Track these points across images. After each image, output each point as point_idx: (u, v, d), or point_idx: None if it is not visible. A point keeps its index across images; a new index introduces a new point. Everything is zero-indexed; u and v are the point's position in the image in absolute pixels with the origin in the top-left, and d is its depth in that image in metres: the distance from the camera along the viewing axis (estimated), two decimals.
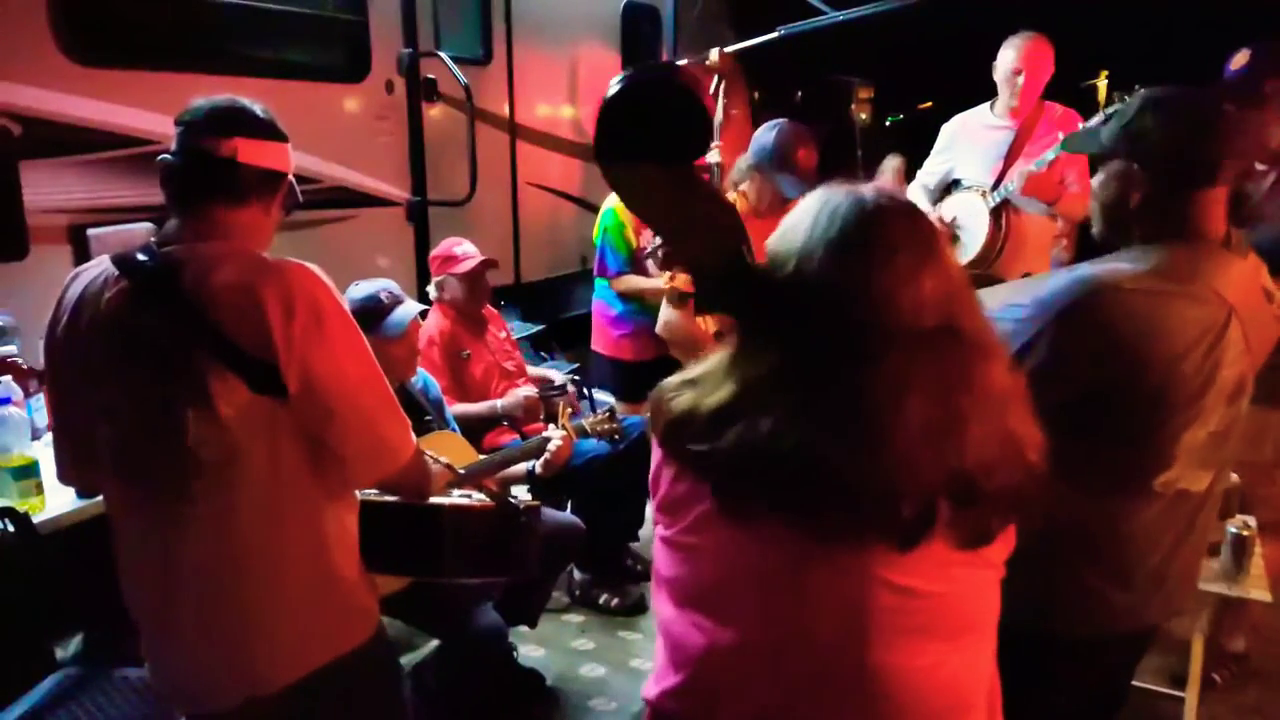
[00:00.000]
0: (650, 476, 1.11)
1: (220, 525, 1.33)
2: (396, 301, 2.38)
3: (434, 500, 1.69)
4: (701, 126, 1.07)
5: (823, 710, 0.99)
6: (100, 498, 2.07)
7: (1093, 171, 1.52)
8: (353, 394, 1.36)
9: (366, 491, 1.61)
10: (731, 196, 3.49)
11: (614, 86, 1.05)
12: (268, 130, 1.43)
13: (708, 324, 2.51)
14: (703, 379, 1.03)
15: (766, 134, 3.26)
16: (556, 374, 3.61)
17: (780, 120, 3.29)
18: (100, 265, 1.39)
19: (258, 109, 1.43)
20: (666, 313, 2.47)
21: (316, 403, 1.32)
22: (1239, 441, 1.48)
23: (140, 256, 1.34)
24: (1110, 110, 1.56)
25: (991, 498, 0.95)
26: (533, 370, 3.55)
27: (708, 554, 1.03)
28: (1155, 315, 1.32)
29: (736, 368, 1.01)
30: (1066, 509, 1.26)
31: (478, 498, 1.85)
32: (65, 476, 1.54)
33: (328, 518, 1.43)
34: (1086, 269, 1.38)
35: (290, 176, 1.48)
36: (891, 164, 6.78)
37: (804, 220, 1.01)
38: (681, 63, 4.63)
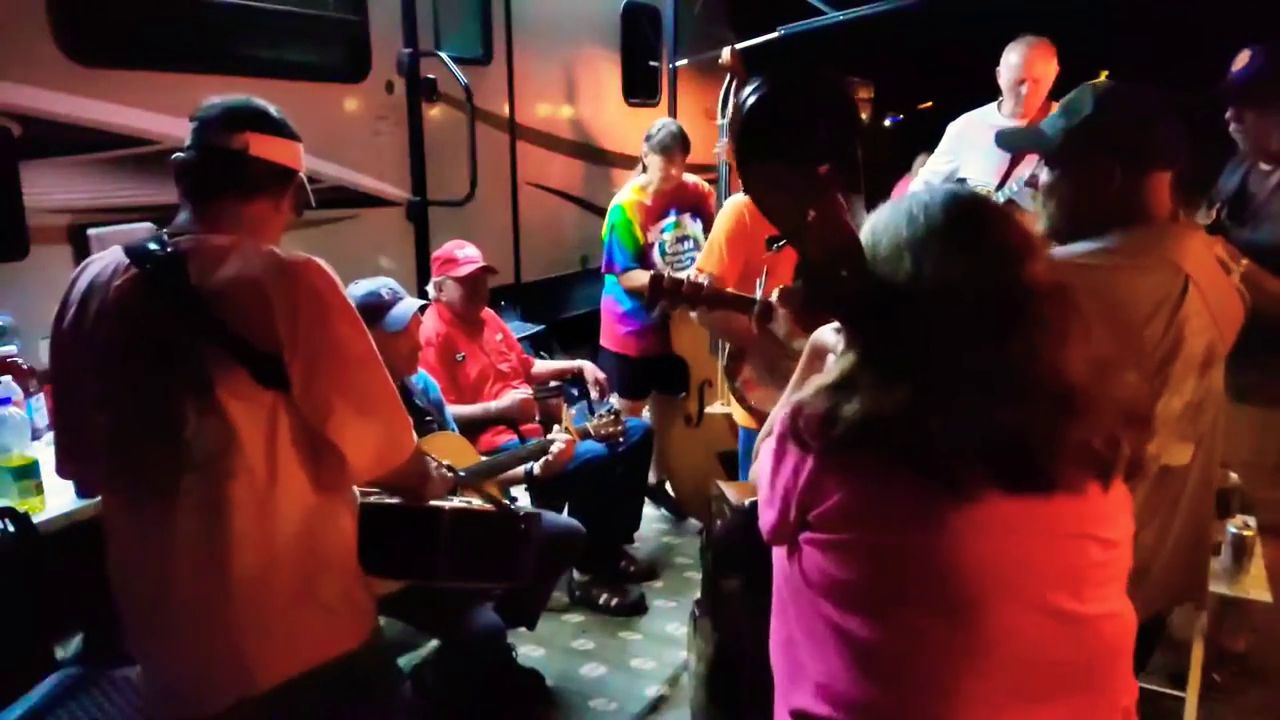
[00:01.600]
0: (784, 491, 1.09)
1: (212, 517, 1.32)
2: (397, 298, 2.39)
3: (433, 503, 1.69)
4: (849, 127, 1.11)
5: (1041, 674, 1.01)
6: (98, 498, 2.09)
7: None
8: (355, 388, 1.36)
9: (366, 494, 1.61)
10: (738, 197, 3.49)
11: (754, 91, 1.09)
12: (279, 128, 1.45)
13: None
14: (857, 383, 1.03)
15: None
16: (571, 363, 3.60)
17: None
18: (111, 255, 1.40)
19: (271, 109, 1.46)
20: (722, 318, 2.43)
21: (319, 396, 1.32)
22: (1241, 440, 1.50)
23: (150, 246, 1.35)
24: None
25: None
26: (542, 365, 3.55)
27: (912, 551, 1.01)
28: (1112, 286, 1.37)
29: (892, 363, 1.02)
30: None
31: (476, 503, 1.85)
32: (63, 470, 1.54)
33: (323, 516, 1.42)
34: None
35: (302, 175, 1.49)
36: (922, 161, 6.78)
37: (899, 221, 1.07)
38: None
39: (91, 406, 1.38)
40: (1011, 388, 0.98)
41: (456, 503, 1.79)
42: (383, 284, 2.41)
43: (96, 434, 1.38)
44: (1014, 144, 1.84)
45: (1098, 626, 1.04)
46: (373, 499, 1.66)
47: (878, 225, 1.09)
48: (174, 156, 1.43)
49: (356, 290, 2.36)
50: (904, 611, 1.01)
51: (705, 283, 1.78)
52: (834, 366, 1.09)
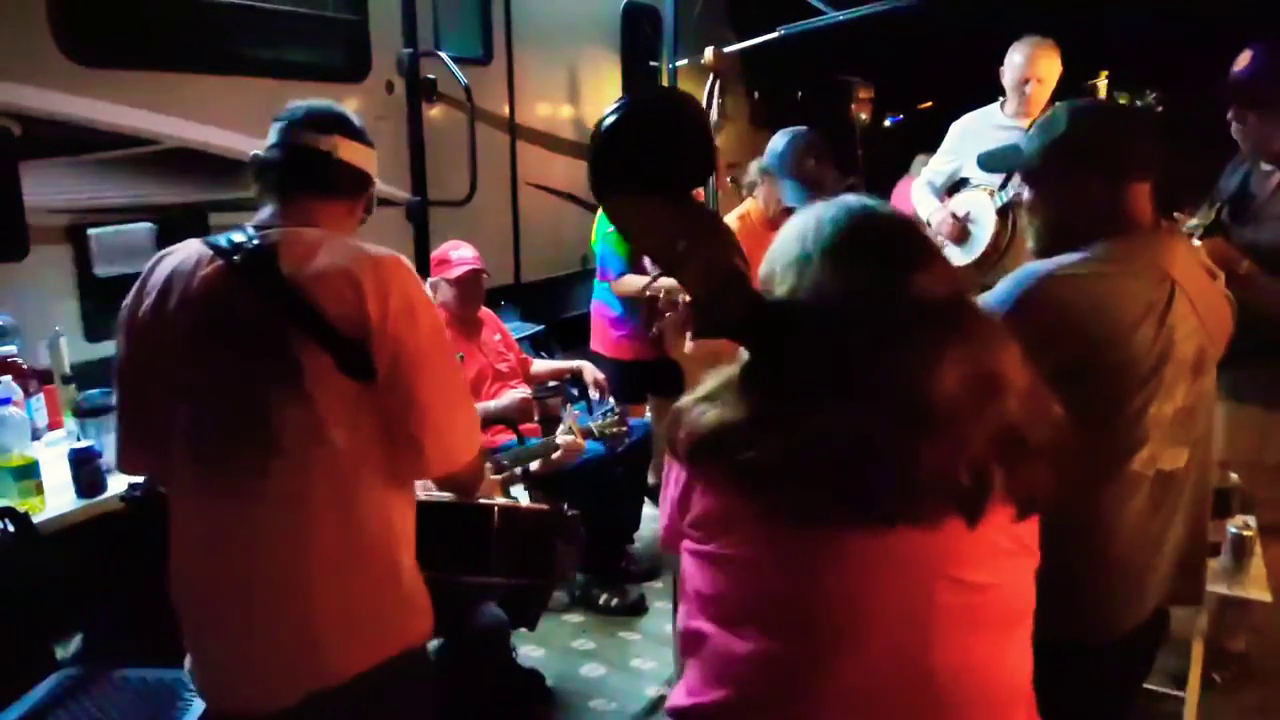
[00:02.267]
0: (671, 498, 1.11)
1: (295, 508, 1.33)
2: None
3: (483, 500, 1.69)
4: (706, 153, 1.08)
5: (880, 717, 0.98)
6: (99, 499, 2.10)
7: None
8: (436, 381, 1.39)
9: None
10: (747, 204, 3.50)
11: (610, 115, 1.03)
12: (361, 134, 1.50)
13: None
14: (720, 394, 1.04)
15: (781, 139, 3.24)
16: (570, 363, 3.60)
17: (799, 127, 3.26)
18: (189, 248, 1.42)
19: (353, 116, 1.50)
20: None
21: (401, 387, 1.34)
22: (1242, 440, 1.50)
23: (237, 238, 1.37)
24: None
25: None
26: (541, 365, 3.55)
27: (754, 567, 1.01)
28: (1099, 293, 1.39)
29: (756, 377, 1.02)
30: (1057, 507, 1.27)
31: (524, 502, 1.85)
32: (131, 463, 1.53)
33: (398, 509, 1.43)
34: (1029, 266, 1.47)
35: (376, 181, 1.53)
36: (921, 161, 6.78)
37: (793, 237, 1.07)
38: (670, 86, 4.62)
39: (170, 396, 1.37)
40: (858, 404, 0.94)
41: (503, 501, 1.79)
42: None
43: (175, 424, 1.37)
44: (994, 165, 1.86)
45: (954, 677, 0.97)
46: (422, 495, 1.67)
47: (779, 239, 1.09)
48: (252, 155, 1.47)
49: None
50: (751, 629, 1.01)
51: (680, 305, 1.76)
52: (718, 375, 1.07)
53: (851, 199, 1.08)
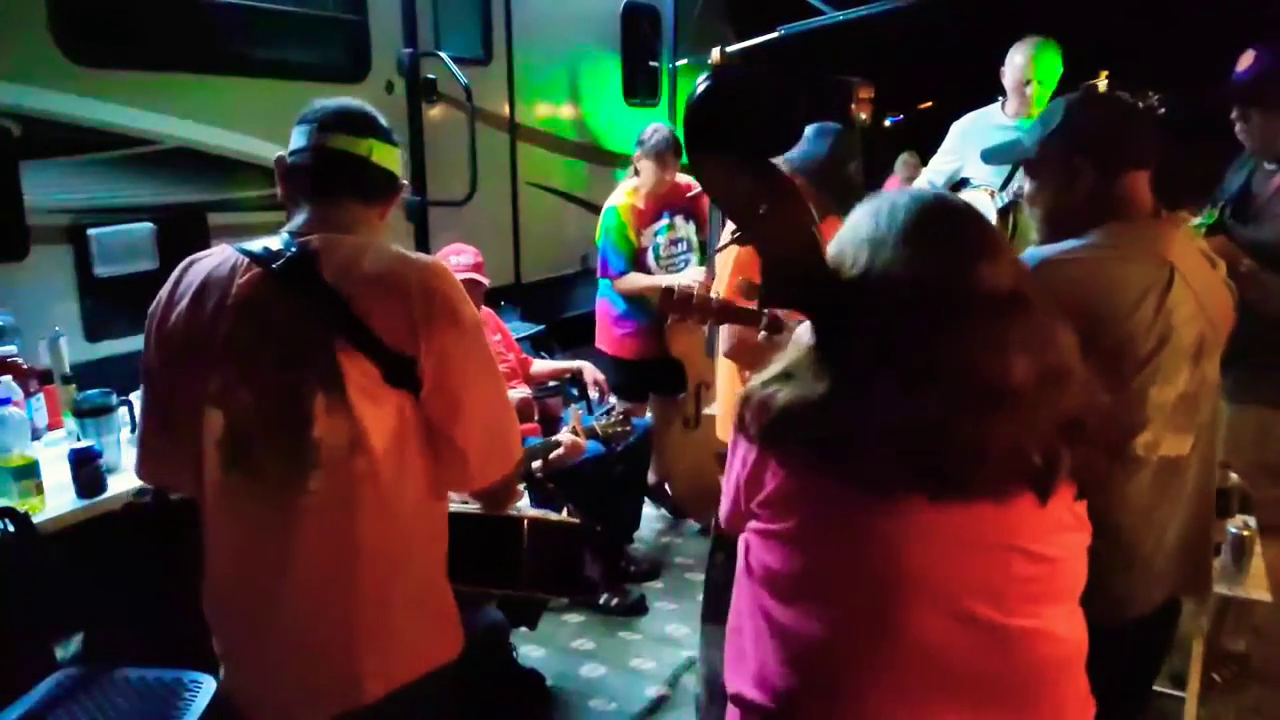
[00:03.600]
0: (737, 480, 1.13)
1: (338, 520, 1.30)
2: None
3: (510, 512, 1.67)
4: (788, 122, 1.12)
5: (961, 683, 1.01)
6: (99, 499, 2.09)
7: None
8: (481, 391, 1.36)
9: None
10: None
11: (703, 82, 1.10)
12: (390, 135, 1.46)
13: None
14: (791, 374, 1.06)
15: (821, 142, 3.14)
16: (570, 363, 3.60)
17: (833, 126, 3.19)
18: (222, 253, 1.37)
19: (380, 116, 1.45)
20: (730, 336, 2.43)
21: (449, 396, 1.32)
22: (1242, 440, 1.51)
23: (274, 245, 1.33)
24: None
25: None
26: (541, 365, 3.55)
27: (830, 542, 1.04)
28: (1095, 275, 1.42)
29: (828, 355, 1.05)
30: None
31: (552, 515, 1.84)
32: (152, 472, 1.49)
33: (435, 524, 1.41)
34: (1029, 251, 1.49)
35: (405, 184, 1.50)
36: (905, 160, 6.77)
37: (865, 219, 1.09)
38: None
39: (205, 403, 1.33)
40: (932, 385, 0.98)
41: (533, 513, 1.77)
42: None
43: (207, 432, 1.33)
44: (998, 159, 1.89)
45: (1026, 641, 1.02)
46: (455, 508, 1.65)
47: (850, 222, 1.12)
48: (278, 156, 1.43)
49: None
50: (827, 606, 1.04)
51: (715, 297, 1.78)
52: (785, 356, 1.11)
53: (923, 189, 1.11)
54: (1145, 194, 1.52)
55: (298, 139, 1.41)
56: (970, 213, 1.11)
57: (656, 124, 3.70)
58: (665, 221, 3.73)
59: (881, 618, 1.01)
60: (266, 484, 1.30)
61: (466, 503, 1.70)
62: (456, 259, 3.12)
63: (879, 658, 1.01)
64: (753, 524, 1.11)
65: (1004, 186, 3.04)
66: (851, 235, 1.10)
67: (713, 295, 1.80)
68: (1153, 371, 1.42)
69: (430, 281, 1.32)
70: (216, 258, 1.37)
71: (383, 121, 1.45)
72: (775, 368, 1.10)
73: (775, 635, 1.07)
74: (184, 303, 1.35)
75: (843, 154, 3.11)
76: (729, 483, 1.17)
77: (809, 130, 3.15)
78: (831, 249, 1.12)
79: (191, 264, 1.40)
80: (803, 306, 1.12)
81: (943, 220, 1.08)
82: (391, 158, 1.45)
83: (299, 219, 1.39)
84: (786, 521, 1.06)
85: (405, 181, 1.50)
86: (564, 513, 3.00)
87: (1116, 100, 1.57)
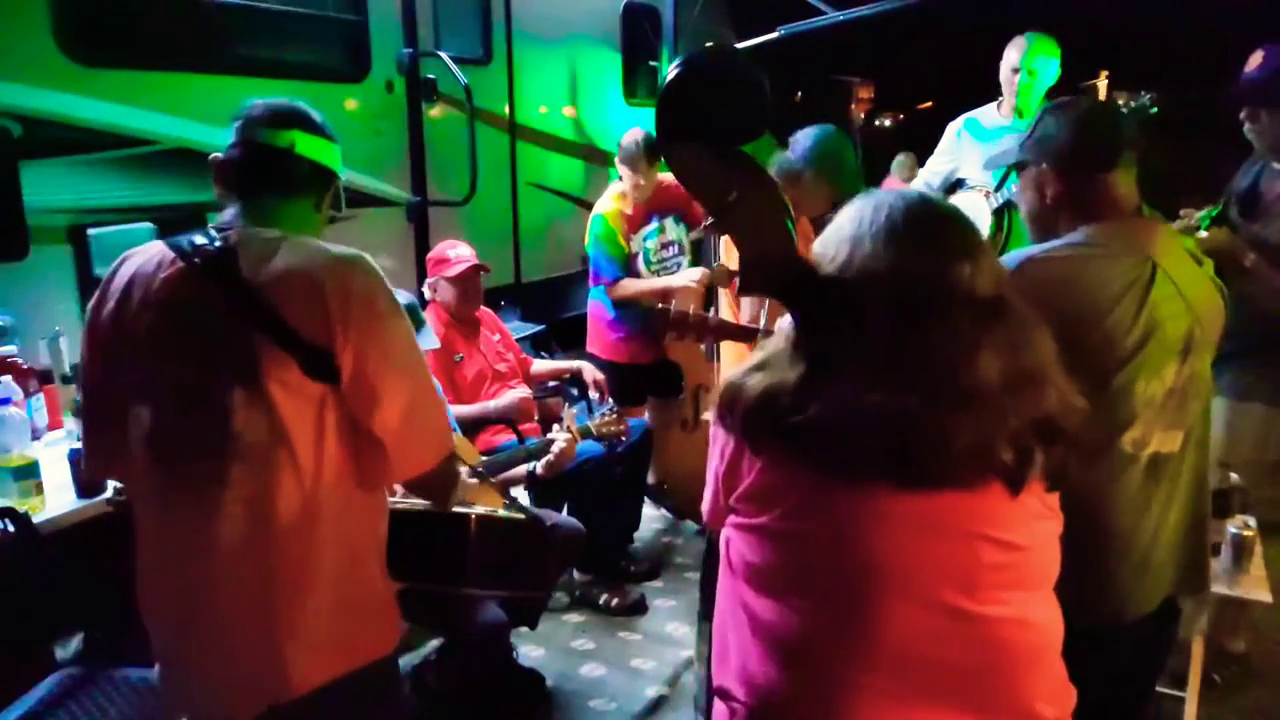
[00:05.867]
0: (716, 472, 1.15)
1: (257, 513, 1.30)
2: (422, 320, 2.40)
3: (458, 509, 1.67)
4: (757, 109, 1.13)
5: (936, 673, 1.02)
6: (98, 498, 2.09)
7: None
8: (402, 382, 1.36)
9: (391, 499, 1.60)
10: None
11: (672, 70, 1.12)
12: (322, 129, 1.47)
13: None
14: (770, 363, 1.08)
15: (829, 139, 3.12)
16: (570, 363, 3.60)
17: (829, 125, 3.18)
18: (153, 249, 1.39)
19: (313, 112, 1.47)
20: (730, 357, 2.44)
21: (367, 388, 1.32)
22: (1243, 439, 1.51)
23: (199, 239, 1.35)
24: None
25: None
26: (541, 365, 3.55)
27: (807, 534, 1.05)
28: (1075, 272, 1.45)
29: (804, 345, 1.07)
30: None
31: (501, 511, 1.83)
32: (100, 468, 1.51)
33: (364, 517, 1.41)
34: (1013, 252, 1.53)
35: (341, 178, 1.51)
36: (901, 161, 6.77)
37: (850, 216, 1.11)
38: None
39: (133, 399, 1.35)
40: (900, 378, 1.00)
41: (481, 510, 1.77)
42: (407, 298, 2.42)
43: (134, 427, 1.35)
44: (995, 164, 1.97)
45: (996, 629, 1.03)
46: (400, 504, 1.65)
47: (836, 219, 1.14)
48: (212, 156, 1.44)
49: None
50: (802, 599, 1.06)
51: (712, 315, 1.79)
52: (765, 348, 1.12)
53: (909, 190, 1.12)
54: (1124, 193, 1.54)
55: (229, 135, 1.43)
56: (954, 215, 1.13)
57: (633, 128, 3.66)
58: (654, 225, 3.70)
59: (856, 609, 1.02)
60: (189, 479, 1.32)
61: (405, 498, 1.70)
62: (454, 251, 3.13)
63: (855, 650, 1.03)
64: (732, 519, 1.13)
65: (999, 187, 3.04)
66: (835, 231, 1.12)
67: (709, 315, 1.82)
68: (1138, 366, 1.43)
69: (348, 273, 1.33)
70: (146, 253, 1.39)
71: (315, 117, 1.46)
72: (753, 359, 1.12)
73: (755, 631, 1.09)
74: (113, 300, 1.37)
75: (851, 147, 3.11)
76: (710, 477, 1.18)
77: (813, 128, 3.16)
78: (816, 244, 1.14)
79: (124, 261, 1.42)
80: (779, 295, 1.13)
81: (925, 221, 1.09)
82: (320, 150, 1.45)
83: (226, 214, 1.41)
84: (763, 516, 1.08)
85: (338, 173, 1.50)
86: (564, 512, 3.02)
87: (1092, 106, 1.61)
